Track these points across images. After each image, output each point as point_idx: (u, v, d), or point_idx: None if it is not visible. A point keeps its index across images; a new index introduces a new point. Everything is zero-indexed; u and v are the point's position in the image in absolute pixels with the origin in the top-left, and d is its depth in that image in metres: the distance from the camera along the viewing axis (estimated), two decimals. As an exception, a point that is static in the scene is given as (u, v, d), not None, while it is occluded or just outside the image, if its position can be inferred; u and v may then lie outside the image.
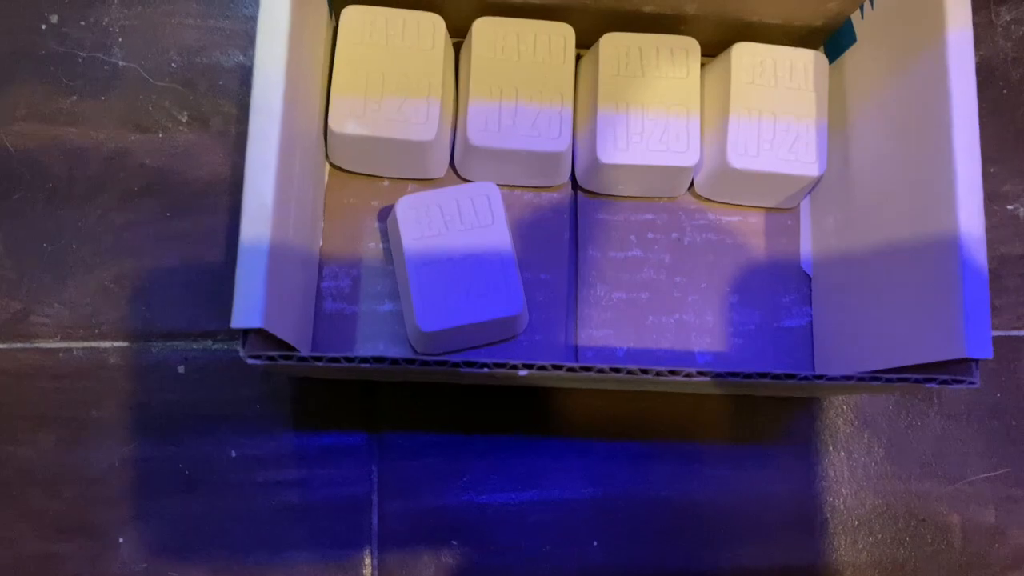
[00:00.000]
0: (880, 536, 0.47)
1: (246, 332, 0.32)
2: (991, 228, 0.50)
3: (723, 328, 0.46)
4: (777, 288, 0.47)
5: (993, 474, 0.48)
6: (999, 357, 0.49)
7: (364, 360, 0.32)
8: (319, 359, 0.32)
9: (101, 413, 0.44)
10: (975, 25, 0.51)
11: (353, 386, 0.45)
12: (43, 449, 0.43)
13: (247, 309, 0.32)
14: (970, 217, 0.35)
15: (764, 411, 0.47)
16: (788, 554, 0.46)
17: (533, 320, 0.45)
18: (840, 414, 0.47)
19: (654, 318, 0.46)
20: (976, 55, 0.51)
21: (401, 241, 0.42)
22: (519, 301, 0.42)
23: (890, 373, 0.38)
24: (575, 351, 0.45)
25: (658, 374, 0.33)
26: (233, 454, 0.44)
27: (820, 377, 0.33)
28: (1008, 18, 0.52)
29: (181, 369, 0.45)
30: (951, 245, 0.35)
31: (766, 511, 0.46)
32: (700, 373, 0.33)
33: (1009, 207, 0.50)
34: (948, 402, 0.48)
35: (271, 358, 0.32)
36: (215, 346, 0.45)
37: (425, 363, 0.32)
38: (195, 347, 0.45)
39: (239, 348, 0.32)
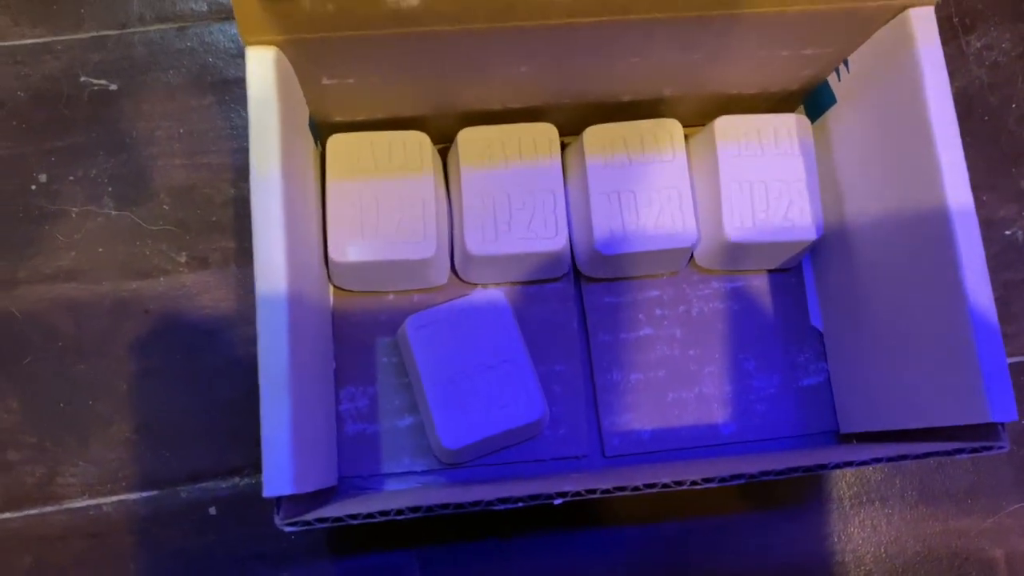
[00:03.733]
0: (926, 580, 0.47)
1: (279, 499, 0.32)
2: (992, 256, 0.50)
3: (743, 396, 0.46)
4: (791, 348, 0.47)
5: (1029, 501, 0.48)
6: (1016, 384, 0.49)
7: (400, 512, 0.32)
8: (355, 516, 0.32)
9: (140, 565, 0.44)
10: (947, 57, 0.52)
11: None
12: (87, 611, 0.44)
13: (277, 477, 0.32)
14: (975, 275, 0.35)
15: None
16: (838, 613, 0.46)
17: (554, 414, 0.45)
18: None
19: (674, 395, 0.46)
20: (952, 87, 0.52)
21: (415, 360, 0.42)
22: (540, 405, 0.42)
23: (914, 437, 0.39)
24: (600, 440, 0.46)
25: (693, 483, 0.33)
26: (275, 589, 0.44)
27: (851, 463, 0.33)
28: (979, 45, 0.52)
29: (212, 510, 0.45)
30: (960, 306, 0.35)
31: (811, 572, 0.46)
32: (733, 477, 0.33)
33: (1007, 232, 0.51)
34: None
35: (307, 523, 0.32)
36: (243, 482, 0.45)
37: (459, 505, 0.32)
38: (223, 486, 0.45)
39: (274, 515, 0.32)
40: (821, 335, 0.47)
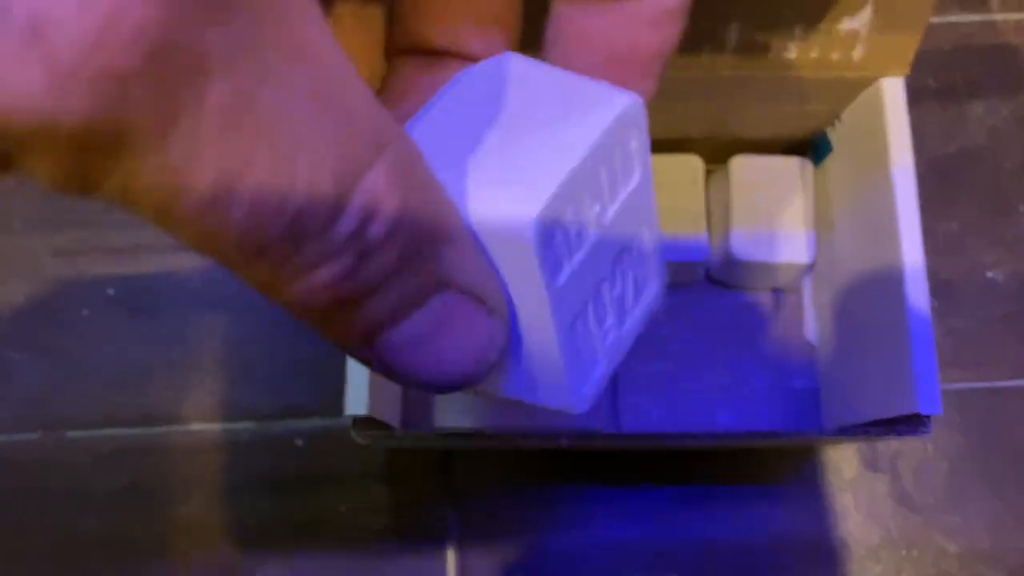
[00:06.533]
0: (886, 564, 0.54)
1: (355, 418, 0.43)
2: (973, 294, 0.58)
3: (740, 392, 0.55)
4: (787, 356, 0.56)
5: (986, 504, 0.55)
6: (988, 409, 0.56)
7: (444, 436, 0.42)
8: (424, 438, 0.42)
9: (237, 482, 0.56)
10: (949, 121, 0.60)
11: (434, 453, 0.55)
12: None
13: (356, 400, 0.42)
14: (917, 297, 0.43)
15: (779, 458, 0.55)
16: (806, 582, 0.54)
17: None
18: (844, 458, 0.55)
19: (681, 385, 0.55)
20: (952, 147, 0.60)
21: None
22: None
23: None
24: (616, 417, 0.55)
25: (694, 437, 0.42)
26: (342, 508, 0.55)
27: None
28: (980, 111, 0.60)
29: (299, 442, 0.56)
30: (903, 325, 0.43)
31: (780, 547, 0.54)
32: (727, 435, 0.42)
33: (988, 274, 0.58)
34: (942, 449, 0.56)
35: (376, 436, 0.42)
36: (324, 423, 0.56)
37: (487, 436, 0.42)
38: (306, 425, 0.56)
39: (351, 431, 0.43)
40: (814, 347, 0.56)
